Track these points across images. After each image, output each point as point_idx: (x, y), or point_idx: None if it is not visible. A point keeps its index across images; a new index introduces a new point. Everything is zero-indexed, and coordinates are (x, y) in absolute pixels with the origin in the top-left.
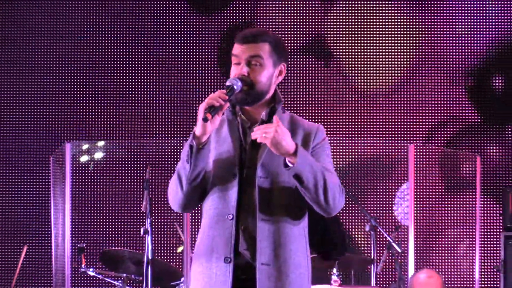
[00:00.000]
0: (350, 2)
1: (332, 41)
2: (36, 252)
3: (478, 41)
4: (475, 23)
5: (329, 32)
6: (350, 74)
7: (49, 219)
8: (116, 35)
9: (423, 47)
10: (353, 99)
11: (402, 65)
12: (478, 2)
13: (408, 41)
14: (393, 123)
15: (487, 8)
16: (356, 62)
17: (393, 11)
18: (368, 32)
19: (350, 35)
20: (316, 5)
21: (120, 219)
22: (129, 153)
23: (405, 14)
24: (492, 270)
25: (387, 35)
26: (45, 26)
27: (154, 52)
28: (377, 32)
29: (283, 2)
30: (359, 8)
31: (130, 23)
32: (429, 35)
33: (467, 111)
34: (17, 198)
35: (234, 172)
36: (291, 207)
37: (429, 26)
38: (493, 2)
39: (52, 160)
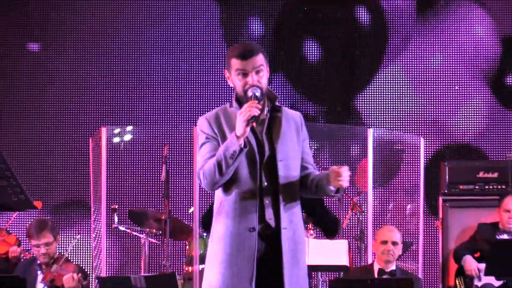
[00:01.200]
0: None
1: None
2: (80, 214)
3: None
4: None
5: None
6: None
7: (90, 188)
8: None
9: None
10: None
11: None
12: None
13: None
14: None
15: None
16: None
17: None
18: None
19: None
20: None
21: (145, 186)
22: (151, 136)
23: None
24: (433, 226)
25: None
26: (83, 17)
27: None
28: None
29: None
30: None
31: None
32: None
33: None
34: (64, 171)
35: (255, 157)
36: (297, 186)
37: None
38: None
39: (91, 141)
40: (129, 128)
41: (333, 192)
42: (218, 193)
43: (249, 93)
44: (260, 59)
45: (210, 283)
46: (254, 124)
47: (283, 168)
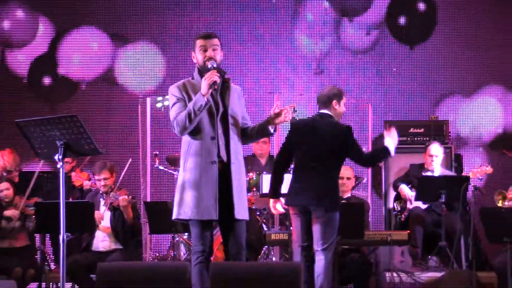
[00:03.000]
0: None
1: None
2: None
3: None
4: None
5: None
6: None
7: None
8: None
9: None
10: None
11: None
12: None
13: None
14: None
15: None
16: None
17: None
18: None
19: None
20: None
21: (177, 138)
22: None
23: None
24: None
25: None
26: None
27: None
28: None
29: None
30: None
31: None
32: None
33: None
34: (122, 128)
35: (213, 111)
36: (239, 133)
37: None
38: None
39: (140, 107)
40: (167, 97)
41: (272, 130)
42: (186, 138)
43: (208, 65)
44: (216, 41)
45: (184, 201)
46: (216, 87)
47: (232, 120)
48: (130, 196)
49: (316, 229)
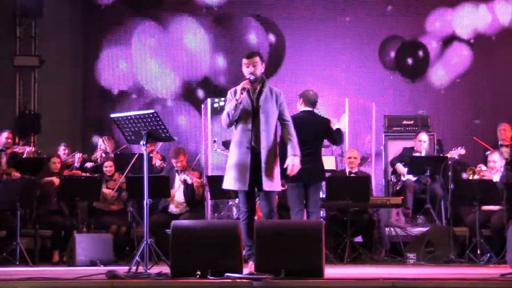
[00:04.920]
0: None
1: None
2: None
3: None
4: None
5: None
6: None
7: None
8: None
9: None
10: None
11: None
12: None
13: None
14: None
15: None
16: None
17: None
18: None
19: None
20: None
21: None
22: None
23: None
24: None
25: None
26: None
27: None
28: None
29: None
30: None
31: None
32: None
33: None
34: (187, 123)
35: (249, 110)
36: (272, 128)
37: None
38: None
39: (203, 107)
40: (222, 99)
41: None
42: (233, 129)
43: (247, 76)
44: (256, 59)
45: (229, 175)
46: (244, 92)
47: (264, 116)
48: (202, 179)
49: None
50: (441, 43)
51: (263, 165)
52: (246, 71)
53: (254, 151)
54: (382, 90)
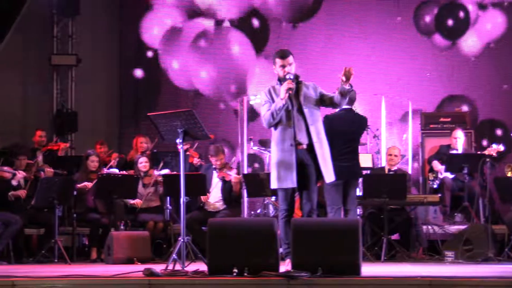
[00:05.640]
0: None
1: None
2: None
3: None
4: None
5: None
6: None
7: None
8: None
9: None
10: None
11: None
12: None
13: None
14: None
15: None
16: None
17: None
18: None
19: None
20: None
21: None
22: None
23: None
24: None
25: None
26: None
27: None
28: None
29: None
30: None
31: None
32: None
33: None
34: (222, 120)
35: (289, 108)
36: (319, 119)
37: None
38: None
39: (239, 104)
40: (258, 96)
41: (348, 86)
42: (273, 129)
43: (287, 76)
44: (290, 59)
45: (274, 174)
46: (291, 91)
47: (308, 111)
48: (241, 175)
49: None
50: None
51: (319, 158)
52: (280, 70)
53: (298, 148)
54: (418, 87)
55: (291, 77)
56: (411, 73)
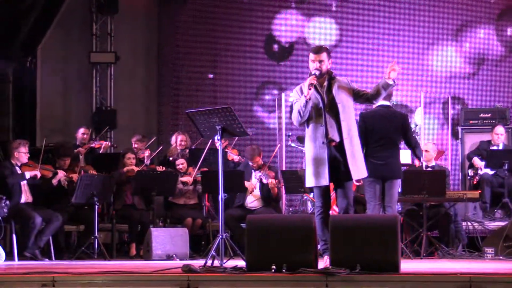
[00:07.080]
0: None
1: None
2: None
3: None
4: None
5: None
6: None
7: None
8: None
9: None
10: None
11: None
12: None
13: None
14: None
15: None
16: None
17: None
18: None
19: None
20: None
21: None
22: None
23: None
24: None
25: None
26: None
27: None
28: None
29: None
30: None
31: None
32: None
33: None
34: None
35: (320, 105)
36: (352, 115)
37: None
38: None
39: (276, 101)
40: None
41: (391, 81)
42: (306, 126)
43: (312, 72)
44: (323, 55)
45: (308, 172)
46: (312, 87)
47: (341, 106)
48: (277, 180)
49: None
50: None
51: (348, 155)
52: (312, 66)
53: (330, 145)
54: (459, 82)
55: (316, 73)
56: (452, 68)
